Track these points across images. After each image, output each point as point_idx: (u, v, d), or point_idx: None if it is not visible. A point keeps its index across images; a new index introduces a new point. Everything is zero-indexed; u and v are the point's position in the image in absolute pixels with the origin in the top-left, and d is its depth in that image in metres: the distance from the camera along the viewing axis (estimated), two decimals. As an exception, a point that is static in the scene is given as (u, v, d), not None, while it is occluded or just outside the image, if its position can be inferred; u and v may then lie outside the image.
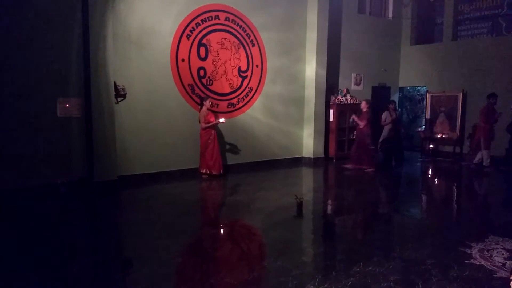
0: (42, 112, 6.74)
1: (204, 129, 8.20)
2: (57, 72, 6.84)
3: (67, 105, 6.97)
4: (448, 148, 11.64)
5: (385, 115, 10.61)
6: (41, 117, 6.74)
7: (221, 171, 8.47)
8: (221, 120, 8.48)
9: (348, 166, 9.77)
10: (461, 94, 11.34)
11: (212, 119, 8.28)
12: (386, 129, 10.67)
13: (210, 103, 8.44)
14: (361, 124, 9.37)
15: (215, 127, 8.45)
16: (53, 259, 4.23)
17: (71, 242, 4.80)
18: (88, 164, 7.16)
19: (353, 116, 9.71)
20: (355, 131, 10.24)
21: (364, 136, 9.43)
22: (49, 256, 4.30)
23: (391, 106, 10.69)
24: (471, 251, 4.41)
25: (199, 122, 8.30)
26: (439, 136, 11.69)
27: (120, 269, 4.11)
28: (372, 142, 9.58)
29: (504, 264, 4.07)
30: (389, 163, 10.54)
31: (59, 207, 6.29)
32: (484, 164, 9.85)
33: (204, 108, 8.23)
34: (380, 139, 10.81)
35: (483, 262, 4.11)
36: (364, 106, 9.49)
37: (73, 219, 5.82)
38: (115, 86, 7.31)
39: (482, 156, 9.93)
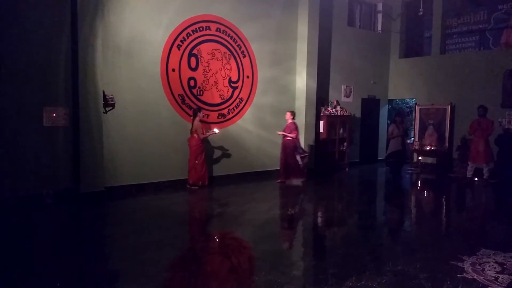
0: (28, 121, 6.58)
1: (202, 140, 8.20)
2: (44, 80, 6.71)
3: (54, 114, 6.83)
4: (437, 161, 11.70)
5: (392, 128, 10.22)
6: (27, 126, 6.58)
7: (207, 181, 8.42)
8: (215, 130, 8.52)
9: (279, 180, 9.14)
10: (449, 107, 11.45)
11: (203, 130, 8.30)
12: (393, 142, 10.21)
13: (203, 114, 8.43)
14: (292, 136, 8.88)
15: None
16: (36, 272, 4.08)
17: (55, 255, 4.64)
18: (75, 175, 7.00)
19: (280, 132, 9.07)
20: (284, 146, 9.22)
21: (290, 148, 8.96)
22: (31, 269, 4.14)
23: (398, 119, 10.27)
24: (463, 265, 4.37)
25: (191, 133, 8.23)
26: (428, 148, 11.75)
27: (106, 283, 3.97)
28: (300, 151, 9.09)
29: (496, 278, 4.04)
30: (396, 176, 10.25)
31: (44, 219, 6.12)
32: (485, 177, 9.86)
33: (197, 119, 8.21)
34: (387, 152, 10.48)
35: (475, 276, 4.07)
36: (288, 117, 9.06)
37: (58, 231, 5.65)
38: (104, 95, 7.20)
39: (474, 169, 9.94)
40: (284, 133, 9.00)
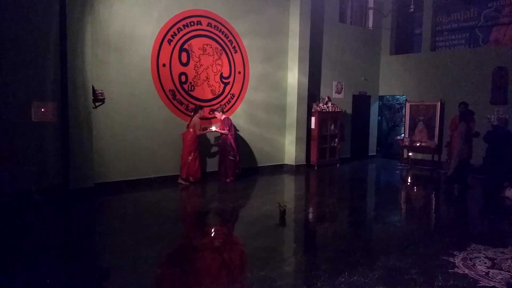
0: (16, 117, 6.46)
1: (198, 136, 8.22)
2: (33, 75, 6.59)
3: (43, 110, 6.71)
4: (427, 157, 11.81)
5: (465, 127, 8.37)
6: (15, 122, 6.46)
7: (199, 177, 8.38)
8: (213, 128, 8.65)
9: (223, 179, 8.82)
10: (439, 104, 11.54)
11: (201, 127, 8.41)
12: (464, 146, 8.48)
13: (203, 112, 8.51)
14: (225, 131, 8.59)
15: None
16: (25, 269, 4.01)
17: (44, 252, 4.57)
18: (64, 171, 6.91)
19: (213, 129, 8.68)
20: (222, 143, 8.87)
21: (225, 146, 8.69)
22: (21, 266, 4.07)
23: (470, 117, 8.59)
24: (455, 260, 4.41)
25: (187, 127, 8.22)
26: (417, 145, 11.84)
27: (96, 280, 3.93)
28: (235, 151, 8.71)
29: (487, 273, 4.07)
30: (464, 186, 8.71)
31: (33, 215, 6.02)
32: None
33: (197, 116, 8.24)
34: (459, 158, 8.62)
35: (466, 271, 4.11)
36: (219, 115, 8.71)
37: (46, 228, 5.56)
38: (93, 90, 7.09)
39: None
40: (217, 130, 8.68)
